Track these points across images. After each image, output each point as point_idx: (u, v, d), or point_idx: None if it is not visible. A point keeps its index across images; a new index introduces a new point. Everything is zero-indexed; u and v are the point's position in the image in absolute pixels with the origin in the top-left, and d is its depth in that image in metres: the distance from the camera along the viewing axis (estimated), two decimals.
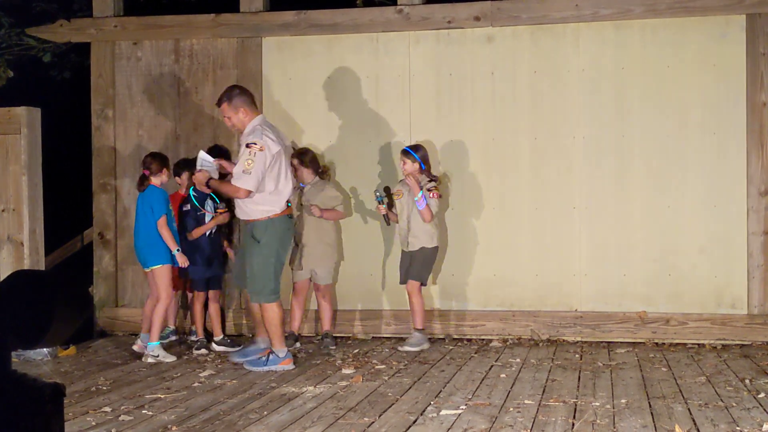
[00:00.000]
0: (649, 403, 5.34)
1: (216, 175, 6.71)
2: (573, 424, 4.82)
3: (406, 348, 7.21)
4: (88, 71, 8.45)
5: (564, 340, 7.62)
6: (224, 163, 6.83)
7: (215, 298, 7.52)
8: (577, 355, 7.02)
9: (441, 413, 5.11)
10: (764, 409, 5.13)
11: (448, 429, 4.76)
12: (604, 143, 7.60)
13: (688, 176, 7.46)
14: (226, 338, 7.48)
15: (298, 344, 7.44)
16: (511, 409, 5.21)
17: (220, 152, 7.67)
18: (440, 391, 5.72)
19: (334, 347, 7.39)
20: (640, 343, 7.48)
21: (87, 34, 8.37)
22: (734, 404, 5.28)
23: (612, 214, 7.60)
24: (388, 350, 7.32)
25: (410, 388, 5.84)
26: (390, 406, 5.30)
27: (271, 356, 6.50)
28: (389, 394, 5.66)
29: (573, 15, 7.60)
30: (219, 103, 6.56)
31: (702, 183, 7.45)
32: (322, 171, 7.61)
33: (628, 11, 7.51)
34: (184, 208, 7.40)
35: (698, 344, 7.39)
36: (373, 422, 4.91)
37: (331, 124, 8.02)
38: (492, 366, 6.61)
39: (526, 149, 7.71)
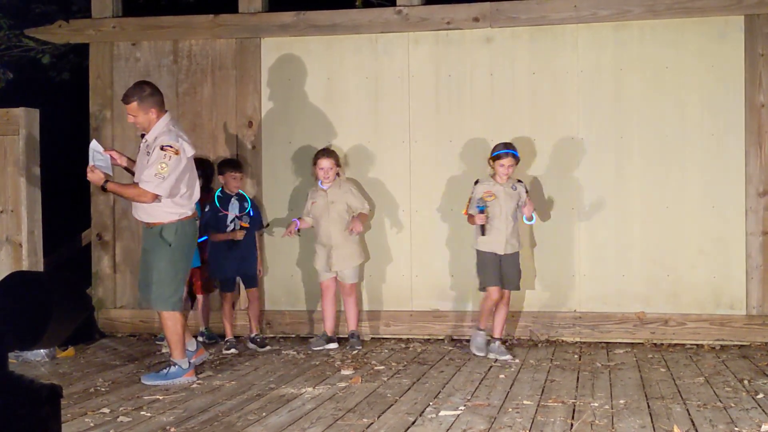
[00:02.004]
0: (647, 403, 5.34)
1: (110, 171, 6.10)
2: (572, 425, 4.82)
3: (505, 357, 6.89)
4: (87, 72, 8.45)
5: (563, 341, 7.62)
6: (115, 154, 6.25)
7: (254, 297, 7.60)
8: (575, 356, 7.02)
9: (440, 414, 5.11)
10: (763, 410, 5.13)
11: (447, 430, 4.75)
12: (603, 144, 7.60)
13: (687, 177, 7.46)
14: (258, 336, 7.57)
15: (333, 345, 7.44)
16: (510, 409, 5.21)
17: (235, 165, 7.63)
18: (439, 392, 5.72)
19: (360, 347, 7.39)
20: (639, 343, 7.48)
21: (85, 35, 8.36)
22: (733, 405, 5.28)
23: (611, 214, 7.60)
24: (387, 351, 7.32)
25: (409, 389, 5.84)
26: (389, 407, 5.30)
27: (173, 368, 6.14)
28: (388, 395, 5.65)
29: (572, 16, 7.60)
30: (128, 101, 6.09)
31: (701, 183, 7.45)
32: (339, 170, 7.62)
33: (626, 12, 7.51)
34: (206, 209, 7.37)
35: (697, 345, 7.39)
36: (372, 423, 4.91)
37: (331, 125, 8.02)
38: (491, 367, 6.61)
39: (525, 150, 7.70)
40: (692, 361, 6.74)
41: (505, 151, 6.97)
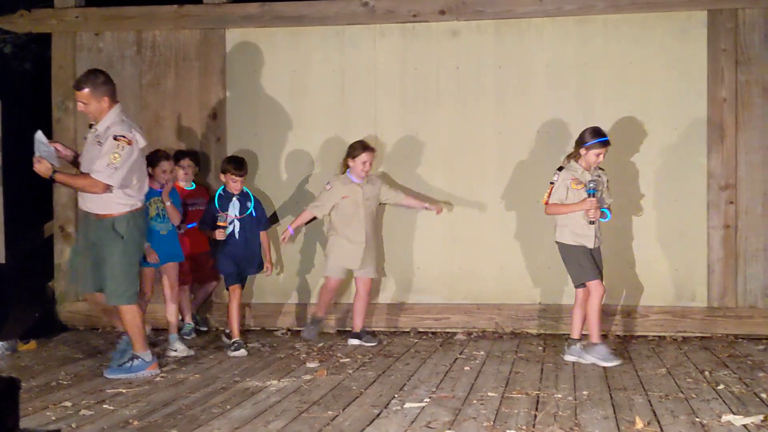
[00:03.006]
0: (610, 394, 5.39)
1: (56, 162, 5.93)
2: (535, 416, 4.85)
3: (604, 364, 6.33)
4: (49, 62, 8.34)
5: (528, 333, 7.67)
6: (60, 146, 6.14)
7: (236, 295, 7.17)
8: (540, 348, 7.07)
9: (405, 406, 5.11)
10: (723, 401, 5.20)
11: (412, 422, 4.76)
12: (568, 137, 7.62)
13: (650, 170, 7.52)
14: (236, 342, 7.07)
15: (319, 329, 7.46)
16: (475, 401, 5.23)
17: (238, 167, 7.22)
18: (404, 384, 5.73)
19: (375, 343, 7.22)
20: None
21: (48, 25, 8.25)
22: (694, 396, 5.34)
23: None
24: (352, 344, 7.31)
25: (374, 381, 5.85)
26: (354, 400, 5.30)
27: (135, 361, 6.09)
28: (353, 387, 5.65)
29: (537, 10, 7.63)
30: (80, 87, 5.98)
31: (664, 177, 7.52)
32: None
33: (590, 6, 7.55)
34: (208, 204, 7.24)
35: (659, 336, 7.47)
36: (336, 416, 4.91)
37: (297, 117, 7.99)
38: (456, 359, 6.63)
39: (491, 143, 7.74)
40: (654, 353, 6.81)
41: (602, 140, 6.44)
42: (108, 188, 5.92)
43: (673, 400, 5.23)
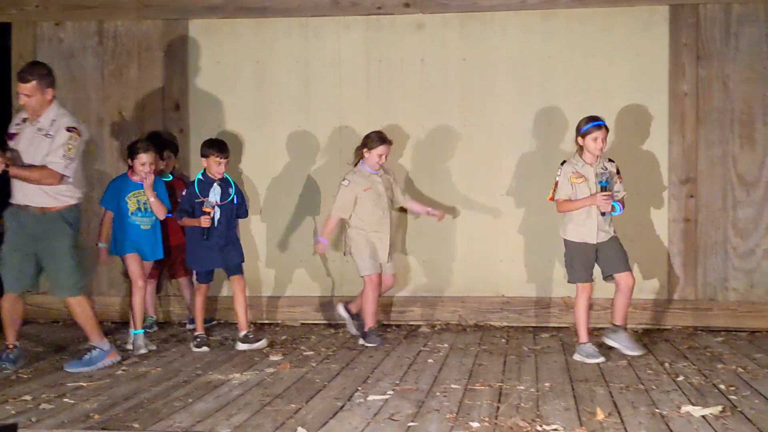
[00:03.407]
0: (572, 386, 5.43)
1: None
2: (498, 408, 4.88)
3: (635, 352, 6.34)
4: (9, 53, 8.21)
5: (491, 325, 7.70)
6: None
7: (240, 287, 6.89)
8: (503, 340, 7.11)
9: (368, 399, 5.12)
10: (683, 392, 5.26)
11: (375, 414, 4.77)
12: (531, 130, 7.68)
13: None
14: (249, 333, 6.88)
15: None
16: (438, 393, 5.25)
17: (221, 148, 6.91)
18: (368, 377, 5.73)
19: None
20: (565, 327, 7.60)
21: (7, 14, 8.13)
22: (654, 387, 5.40)
23: (539, 200, 7.68)
24: (316, 337, 7.30)
25: (338, 374, 5.84)
26: (317, 393, 5.30)
27: (93, 352, 6.04)
28: (317, 380, 5.65)
29: (501, 3, 7.66)
30: (26, 80, 5.86)
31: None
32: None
33: (554, 0, 7.59)
34: (185, 191, 6.90)
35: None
36: (299, 409, 4.90)
37: (260, 109, 7.95)
38: (420, 351, 6.64)
39: (455, 136, 7.76)
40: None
41: (597, 123, 6.30)
42: (63, 179, 5.88)
43: (633, 392, 5.28)
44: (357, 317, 7.21)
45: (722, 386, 5.40)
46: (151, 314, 7.61)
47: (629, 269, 6.41)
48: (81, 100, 8.06)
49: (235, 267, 6.93)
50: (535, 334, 7.38)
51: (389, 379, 5.68)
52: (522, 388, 5.38)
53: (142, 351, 6.56)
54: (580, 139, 6.36)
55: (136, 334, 6.67)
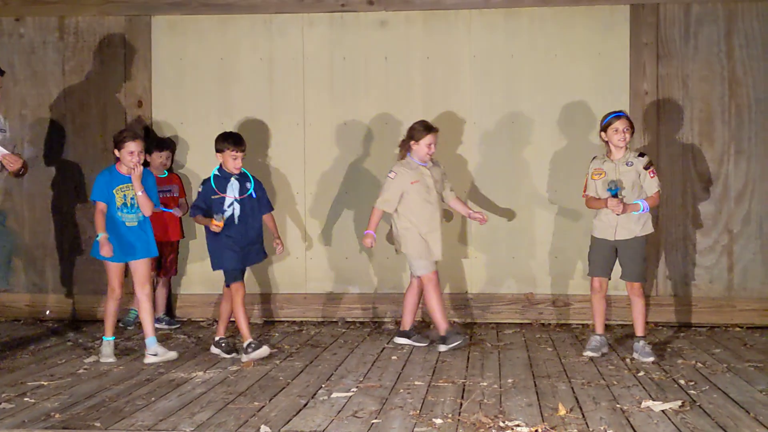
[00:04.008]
0: (534, 382, 5.48)
1: None
2: (461, 404, 4.91)
3: (649, 359, 6.14)
4: None
5: (454, 322, 7.72)
6: None
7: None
8: (466, 336, 7.13)
9: (332, 396, 5.13)
10: (643, 387, 5.33)
11: (339, 411, 4.78)
12: (495, 129, 7.72)
13: (576, 161, 7.63)
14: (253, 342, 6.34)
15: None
16: (402, 390, 5.27)
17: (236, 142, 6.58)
18: (332, 374, 5.74)
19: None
20: (528, 323, 7.66)
21: None
22: (615, 382, 5.46)
23: (502, 197, 7.73)
24: (280, 334, 7.29)
25: (302, 371, 5.84)
26: (281, 390, 5.29)
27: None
28: (280, 377, 5.64)
29: (465, 1, 7.69)
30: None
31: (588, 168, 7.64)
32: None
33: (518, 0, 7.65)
34: (200, 189, 6.41)
35: (582, 324, 7.61)
36: (263, 406, 4.90)
37: (224, 105, 7.92)
38: (384, 348, 6.66)
39: None
40: (578, 341, 6.94)
41: (617, 114, 6.24)
42: None
43: (595, 387, 5.34)
44: (451, 333, 6.63)
45: (682, 381, 5.47)
46: (159, 313, 7.56)
47: (635, 279, 6.26)
48: (42, 96, 7.98)
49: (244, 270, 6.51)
50: (499, 330, 7.42)
51: (353, 376, 5.69)
52: (485, 384, 5.42)
53: (109, 360, 6.17)
54: (603, 134, 6.31)
55: (107, 341, 6.24)
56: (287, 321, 7.83)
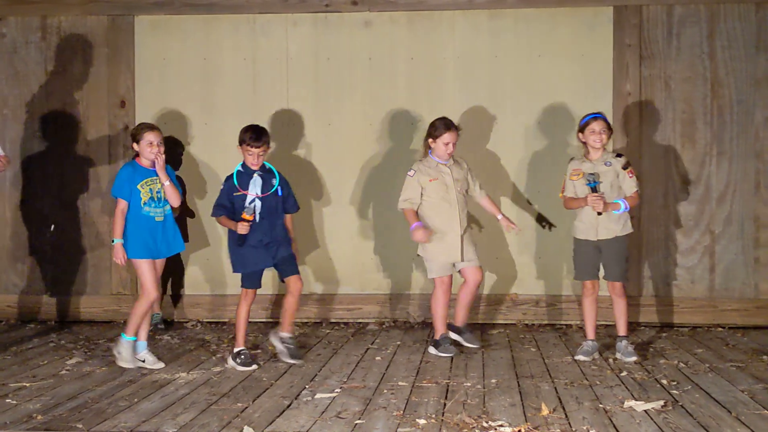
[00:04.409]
0: (518, 382, 5.49)
1: None
2: (444, 405, 4.91)
3: (631, 359, 6.13)
4: None
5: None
6: None
7: (296, 288, 6.19)
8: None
9: (316, 397, 5.12)
10: (626, 387, 5.35)
11: (322, 412, 4.77)
12: (478, 130, 7.73)
13: (559, 162, 7.64)
14: (290, 339, 6.24)
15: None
16: (385, 391, 5.27)
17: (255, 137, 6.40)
18: (316, 375, 5.74)
19: (478, 345, 6.58)
20: (512, 324, 7.68)
21: None
22: (598, 382, 5.49)
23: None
24: (263, 335, 7.27)
25: (285, 372, 5.84)
26: (264, 391, 5.28)
27: None
28: (264, 378, 5.64)
29: (449, 2, 7.70)
30: None
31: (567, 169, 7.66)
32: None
33: (501, 0, 7.65)
34: (222, 186, 6.21)
35: (566, 325, 7.64)
36: (246, 407, 4.89)
37: (208, 105, 7.90)
38: (368, 349, 6.66)
39: (403, 134, 7.78)
40: (561, 341, 6.96)
41: (594, 115, 6.25)
42: None
43: (578, 387, 5.36)
44: (462, 330, 6.63)
45: (664, 381, 5.50)
46: (156, 310, 7.52)
47: (616, 279, 6.25)
48: (24, 96, 7.94)
49: (285, 264, 6.19)
50: (483, 330, 7.43)
51: (337, 377, 5.69)
52: (469, 384, 5.43)
53: (128, 365, 5.92)
54: (580, 135, 6.31)
55: (127, 340, 5.99)
56: (271, 322, 7.81)
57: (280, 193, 6.18)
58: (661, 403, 4.89)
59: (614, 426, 4.49)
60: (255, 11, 7.85)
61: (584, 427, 4.45)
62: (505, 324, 7.67)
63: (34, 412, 4.79)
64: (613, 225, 6.22)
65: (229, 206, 6.08)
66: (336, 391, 5.27)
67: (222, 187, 6.18)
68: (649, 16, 7.60)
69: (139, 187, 5.95)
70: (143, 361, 6.00)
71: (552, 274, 7.71)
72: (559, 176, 7.26)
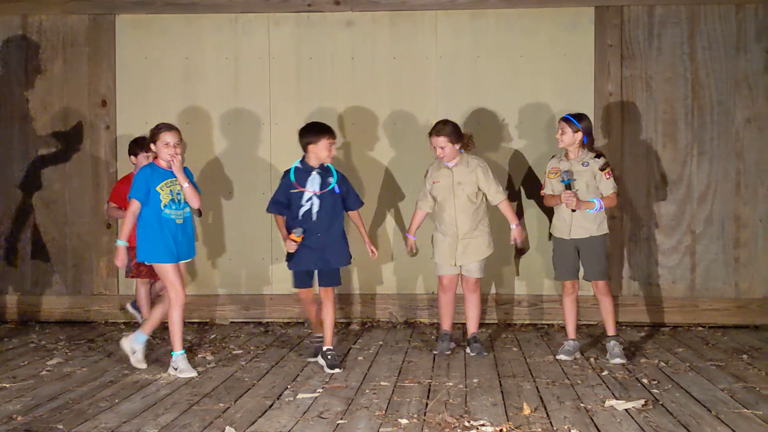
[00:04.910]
0: (499, 382, 5.51)
1: None
2: (426, 404, 4.92)
3: (618, 360, 6.09)
4: None
5: (421, 322, 7.75)
6: None
7: (329, 298, 6.11)
8: (433, 337, 7.16)
9: (298, 397, 5.12)
10: (607, 386, 5.37)
11: (304, 412, 4.77)
12: (461, 129, 7.73)
13: (541, 161, 7.67)
14: (329, 351, 6.02)
15: (453, 344, 6.58)
16: (368, 390, 5.28)
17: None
18: (298, 375, 5.73)
19: (485, 354, 6.41)
20: (494, 323, 7.69)
21: None
22: (579, 382, 5.51)
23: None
24: (246, 335, 7.26)
25: (267, 372, 5.83)
26: (246, 391, 5.27)
27: None
28: (246, 379, 5.62)
29: (431, 2, 7.71)
30: None
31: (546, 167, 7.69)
32: (466, 143, 6.56)
33: (484, 1, 7.67)
34: (279, 182, 6.20)
35: (548, 324, 7.66)
36: (228, 408, 4.88)
37: (190, 105, 7.87)
38: (350, 349, 6.66)
39: (385, 134, 7.78)
40: (543, 341, 6.99)
41: (564, 117, 6.27)
42: None
43: (559, 387, 5.38)
44: (444, 336, 6.58)
45: (645, 380, 5.53)
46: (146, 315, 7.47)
47: (597, 277, 6.25)
48: (4, 96, 7.89)
49: (329, 274, 6.13)
50: (464, 330, 7.42)
51: (319, 377, 5.68)
52: (450, 384, 5.44)
53: (190, 374, 5.71)
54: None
55: (177, 356, 5.80)
56: (253, 322, 7.80)
57: (337, 190, 6.12)
58: (642, 402, 4.92)
59: (595, 425, 4.51)
60: (237, 10, 7.83)
61: (565, 427, 4.47)
62: (487, 323, 7.68)
63: (14, 413, 4.76)
64: (588, 224, 6.21)
65: (285, 202, 6.07)
66: (318, 391, 5.27)
67: (279, 182, 6.18)
68: (630, 16, 7.63)
69: (158, 189, 5.80)
70: (134, 353, 5.95)
71: (534, 274, 7.73)
72: (540, 175, 7.32)
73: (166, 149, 5.81)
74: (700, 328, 7.52)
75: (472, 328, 6.57)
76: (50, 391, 5.29)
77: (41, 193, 7.89)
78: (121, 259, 5.82)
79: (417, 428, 4.45)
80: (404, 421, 4.56)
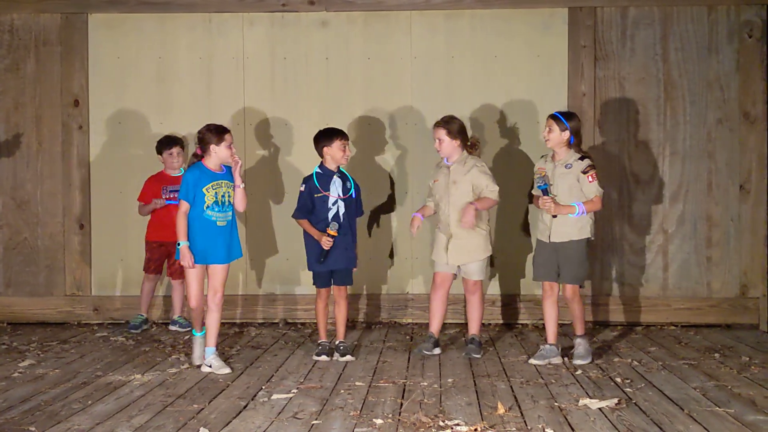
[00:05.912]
0: (474, 381, 5.52)
1: None
2: (401, 404, 4.93)
3: (578, 362, 6.08)
4: None
5: (396, 323, 7.76)
6: None
7: (342, 296, 6.38)
8: (408, 337, 7.17)
9: (272, 397, 5.11)
10: (581, 385, 5.40)
11: (279, 413, 4.76)
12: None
13: (515, 163, 7.72)
14: (341, 343, 6.34)
15: (438, 350, 6.46)
16: (342, 391, 5.27)
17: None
18: (272, 376, 5.72)
19: (479, 356, 6.34)
20: (466, 324, 7.69)
21: None
22: (553, 381, 5.53)
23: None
24: (220, 336, 7.19)
25: (242, 373, 5.81)
26: (221, 392, 5.26)
27: None
28: (220, 380, 5.60)
29: (406, 2, 7.72)
30: None
31: (526, 169, 7.71)
32: (471, 144, 6.56)
33: (458, 1, 7.69)
34: (302, 188, 6.33)
35: (522, 324, 7.70)
36: (202, 409, 4.86)
37: (163, 105, 7.83)
38: None
39: (360, 135, 7.78)
40: (517, 340, 7.02)
41: (552, 114, 6.19)
42: None
43: (533, 386, 5.40)
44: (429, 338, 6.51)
45: (618, 379, 5.56)
46: (143, 312, 7.49)
47: (568, 281, 6.15)
48: None
49: (345, 273, 6.36)
50: (440, 330, 7.44)
51: (294, 377, 5.67)
52: (425, 384, 5.45)
53: (225, 371, 5.81)
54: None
55: (211, 352, 5.92)
56: (227, 323, 7.76)
57: (354, 195, 6.36)
58: (615, 401, 4.95)
59: (569, 424, 4.53)
60: (211, 10, 7.80)
61: (540, 426, 4.49)
62: (463, 324, 7.69)
63: None
64: (567, 228, 6.10)
65: (311, 206, 6.26)
66: (293, 391, 5.26)
67: (301, 189, 6.32)
68: (604, 17, 7.68)
69: (204, 190, 5.83)
70: (209, 366, 5.86)
71: (510, 274, 7.76)
72: (516, 175, 7.36)
73: (228, 151, 5.90)
74: (673, 327, 7.59)
75: (470, 329, 6.53)
76: (22, 392, 5.25)
77: (13, 194, 7.82)
78: (187, 260, 5.82)
79: (392, 428, 4.46)
80: (379, 421, 4.56)
